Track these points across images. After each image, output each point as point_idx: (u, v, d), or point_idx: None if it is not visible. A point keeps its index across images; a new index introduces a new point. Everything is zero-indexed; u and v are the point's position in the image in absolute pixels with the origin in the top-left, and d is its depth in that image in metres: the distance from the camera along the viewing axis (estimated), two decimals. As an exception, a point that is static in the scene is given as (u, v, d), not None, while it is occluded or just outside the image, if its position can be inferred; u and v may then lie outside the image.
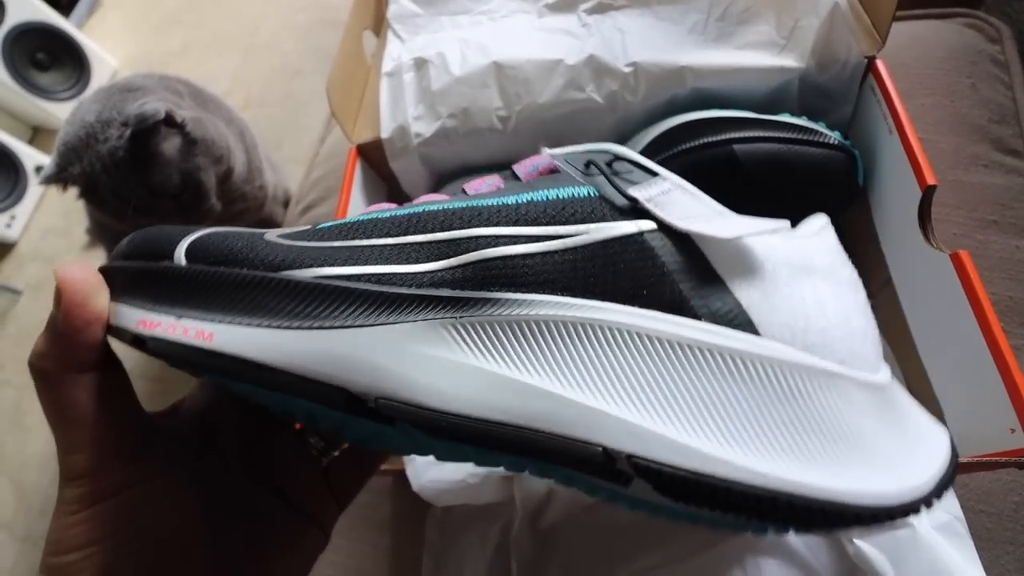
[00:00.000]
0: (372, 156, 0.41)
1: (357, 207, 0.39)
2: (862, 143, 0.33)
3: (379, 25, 0.47)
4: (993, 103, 0.45)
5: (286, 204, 0.76)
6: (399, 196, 0.43)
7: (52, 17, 1.23)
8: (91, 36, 1.39)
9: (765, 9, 0.34)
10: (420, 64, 0.40)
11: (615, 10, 0.38)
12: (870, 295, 0.34)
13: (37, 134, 1.36)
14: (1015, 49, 0.48)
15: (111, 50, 1.37)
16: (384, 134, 0.39)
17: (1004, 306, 0.37)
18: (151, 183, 0.52)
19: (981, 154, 0.43)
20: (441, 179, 0.42)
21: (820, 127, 0.31)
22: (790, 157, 0.30)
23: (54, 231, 1.20)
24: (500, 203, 0.16)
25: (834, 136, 0.30)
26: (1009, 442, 0.22)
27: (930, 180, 0.27)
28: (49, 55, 1.26)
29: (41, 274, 1.16)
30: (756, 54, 0.33)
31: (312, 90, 1.06)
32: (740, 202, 0.31)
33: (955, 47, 0.48)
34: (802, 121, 0.31)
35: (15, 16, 1.17)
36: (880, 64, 0.32)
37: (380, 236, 0.16)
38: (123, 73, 1.36)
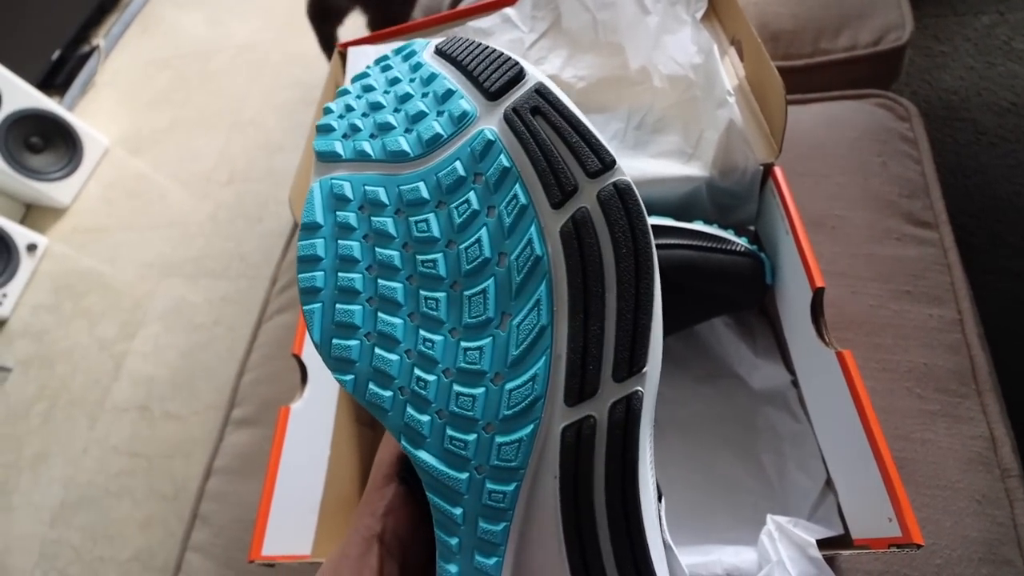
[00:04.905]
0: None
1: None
2: (768, 239, 0.37)
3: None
4: (903, 179, 0.49)
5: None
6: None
7: (46, 103, 1.30)
8: (83, 115, 1.46)
9: (675, 120, 0.39)
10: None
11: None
12: (795, 383, 0.37)
13: (29, 212, 1.40)
14: (922, 126, 0.53)
15: (103, 129, 1.43)
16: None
17: (920, 372, 0.40)
18: None
19: (894, 228, 0.47)
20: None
21: (729, 234, 0.34)
22: (700, 263, 0.33)
23: (44, 308, 1.23)
24: None
25: (741, 242, 0.34)
26: (888, 529, 0.25)
27: (819, 283, 0.30)
28: (42, 138, 1.32)
29: (30, 350, 1.17)
30: (668, 163, 0.37)
31: (293, 166, 1.10)
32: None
33: (867, 127, 0.53)
34: (713, 229, 0.35)
35: (11, 104, 1.23)
36: (778, 170, 0.35)
37: None
38: (114, 152, 1.42)
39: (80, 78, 1.62)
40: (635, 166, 0.38)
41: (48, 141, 1.33)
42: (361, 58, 0.50)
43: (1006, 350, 0.45)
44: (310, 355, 0.40)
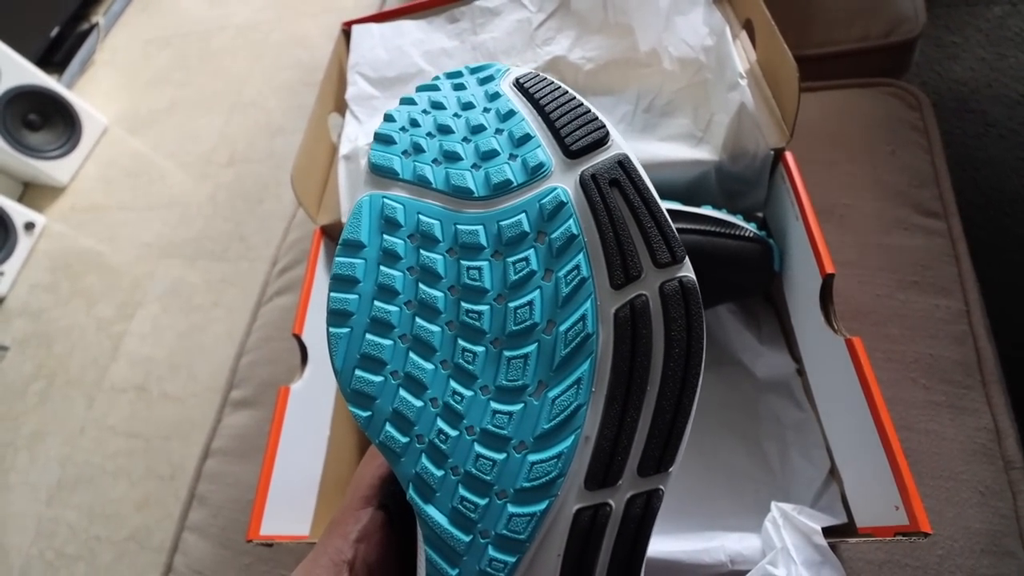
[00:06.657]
0: (337, 237, 0.44)
1: (321, 287, 0.42)
2: (776, 225, 0.36)
3: (344, 107, 0.50)
4: (913, 168, 0.49)
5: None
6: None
7: (45, 80, 1.28)
8: (82, 94, 1.44)
9: (685, 103, 0.38)
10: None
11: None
12: (800, 372, 0.36)
13: (27, 190, 1.39)
14: (933, 116, 0.52)
15: (101, 108, 1.42)
16: (344, 217, 0.42)
17: (925, 363, 0.40)
18: None
19: (902, 217, 0.46)
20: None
21: (738, 220, 0.34)
22: (709, 248, 0.33)
23: (41, 287, 1.22)
24: None
25: (750, 228, 0.33)
26: (894, 517, 0.24)
27: (829, 269, 0.30)
28: (41, 116, 1.30)
29: (28, 329, 1.17)
30: (677, 146, 0.37)
31: (294, 148, 1.09)
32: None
33: (878, 115, 0.52)
34: (722, 214, 0.34)
35: (9, 80, 1.21)
36: (789, 155, 0.35)
37: None
38: (113, 131, 1.40)
39: (79, 56, 1.60)
40: (643, 149, 0.37)
41: (46, 119, 1.32)
42: (366, 37, 0.49)
43: (1012, 343, 0.44)
44: (310, 335, 0.39)
